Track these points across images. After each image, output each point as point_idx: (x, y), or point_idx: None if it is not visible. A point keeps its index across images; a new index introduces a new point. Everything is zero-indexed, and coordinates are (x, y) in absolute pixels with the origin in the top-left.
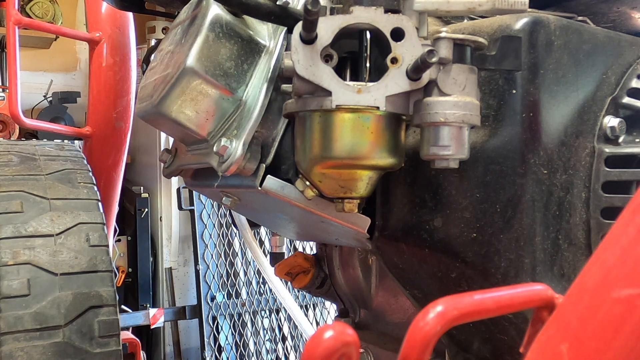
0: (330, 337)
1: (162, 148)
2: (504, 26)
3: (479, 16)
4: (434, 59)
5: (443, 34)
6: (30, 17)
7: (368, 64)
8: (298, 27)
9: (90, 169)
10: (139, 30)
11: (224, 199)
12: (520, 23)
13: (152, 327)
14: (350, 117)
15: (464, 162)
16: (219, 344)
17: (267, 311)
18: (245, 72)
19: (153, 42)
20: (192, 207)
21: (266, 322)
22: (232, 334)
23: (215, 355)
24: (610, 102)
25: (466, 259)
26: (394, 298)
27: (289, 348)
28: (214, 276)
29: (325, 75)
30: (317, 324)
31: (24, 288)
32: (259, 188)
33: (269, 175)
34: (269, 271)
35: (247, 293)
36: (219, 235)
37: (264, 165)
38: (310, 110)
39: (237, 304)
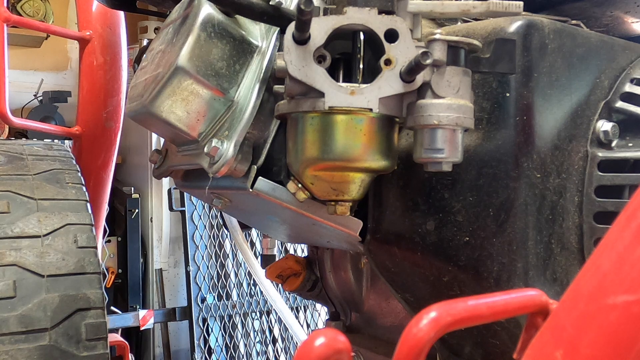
0: (322, 344)
1: (153, 148)
2: (498, 29)
3: (473, 18)
4: (428, 61)
5: (437, 36)
6: (21, 15)
7: (361, 66)
8: (291, 28)
9: (79, 169)
10: (131, 30)
11: (214, 200)
12: (514, 26)
13: (142, 328)
14: (343, 119)
15: (457, 165)
16: (209, 346)
17: (258, 313)
18: (237, 73)
19: (145, 42)
20: (183, 208)
21: (257, 324)
22: (223, 335)
23: (205, 357)
24: (604, 106)
25: (459, 262)
26: (385, 301)
27: (279, 350)
28: (204, 278)
29: (318, 76)
30: (308, 326)
31: (10, 290)
32: (250, 190)
33: (260, 177)
34: (259, 273)
35: (238, 295)
36: (210, 236)
37: (256, 167)
38: (303, 112)
39: (227, 306)
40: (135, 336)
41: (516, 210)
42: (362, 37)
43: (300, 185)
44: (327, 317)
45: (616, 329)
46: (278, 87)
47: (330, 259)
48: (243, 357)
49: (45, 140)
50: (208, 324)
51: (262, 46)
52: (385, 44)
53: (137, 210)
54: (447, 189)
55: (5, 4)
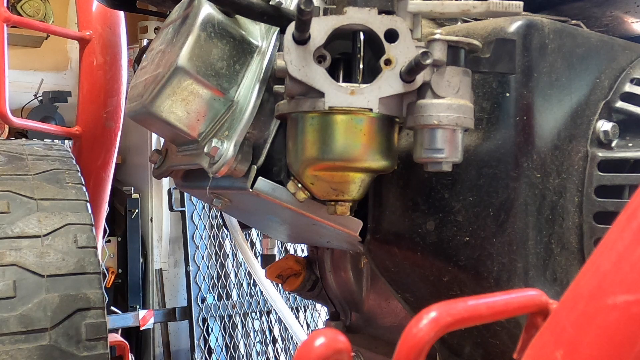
0: (322, 344)
1: (153, 148)
2: (498, 29)
3: (473, 18)
4: (428, 61)
5: (437, 36)
6: (21, 15)
7: (361, 66)
8: (291, 28)
9: (79, 169)
10: (131, 30)
11: (214, 200)
12: (514, 26)
13: (142, 328)
14: (343, 119)
15: (457, 165)
16: (209, 346)
17: (258, 313)
18: (237, 73)
19: (145, 42)
20: (183, 208)
21: (257, 324)
22: (223, 335)
23: (205, 357)
24: (604, 106)
25: (459, 262)
26: (385, 301)
27: (279, 350)
28: (204, 278)
29: (318, 77)
30: (308, 326)
31: (10, 290)
32: (250, 190)
33: (260, 177)
34: (259, 273)
35: (238, 295)
36: (210, 236)
37: (256, 167)
38: (303, 112)
39: (227, 306)
40: (135, 336)
41: (516, 210)
42: (362, 37)
43: (300, 185)
44: (327, 317)
45: (616, 329)
46: (278, 87)
47: (330, 259)
48: (243, 357)
49: (45, 140)
50: (208, 324)
51: (262, 46)
52: (385, 44)
53: (137, 210)
54: (447, 189)
55: (5, 4)
